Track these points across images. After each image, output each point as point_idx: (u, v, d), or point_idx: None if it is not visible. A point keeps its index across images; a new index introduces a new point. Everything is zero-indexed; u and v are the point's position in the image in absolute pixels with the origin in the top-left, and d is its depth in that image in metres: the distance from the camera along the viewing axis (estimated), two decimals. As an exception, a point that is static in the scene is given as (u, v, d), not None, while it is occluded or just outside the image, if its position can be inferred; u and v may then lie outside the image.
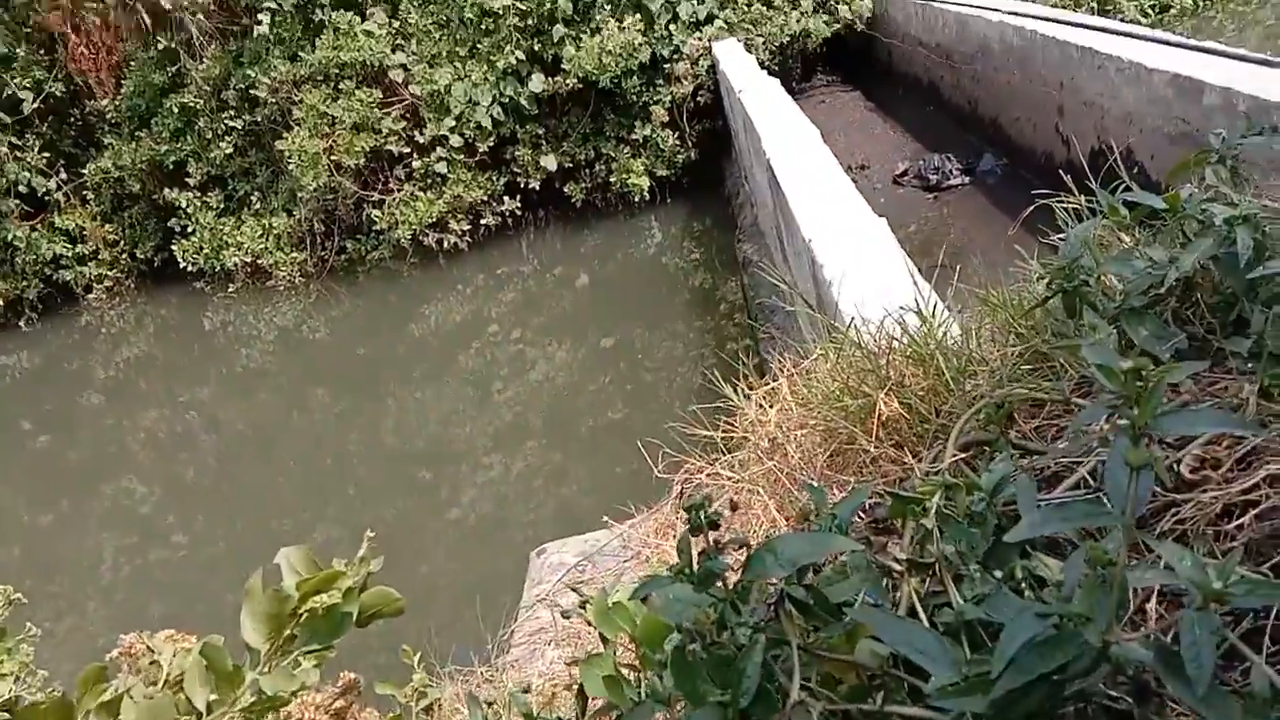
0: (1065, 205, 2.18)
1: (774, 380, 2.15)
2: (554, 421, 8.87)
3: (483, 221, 11.22)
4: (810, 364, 1.98)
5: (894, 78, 10.91)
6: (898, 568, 1.36)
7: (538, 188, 11.31)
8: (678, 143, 10.93)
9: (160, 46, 11.93)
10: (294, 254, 11.57)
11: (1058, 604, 1.02)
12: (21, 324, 12.75)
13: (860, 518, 1.56)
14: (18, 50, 12.28)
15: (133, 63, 12.15)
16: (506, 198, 11.23)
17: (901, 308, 1.97)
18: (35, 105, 12.26)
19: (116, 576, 7.92)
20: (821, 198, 3.61)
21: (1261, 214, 1.58)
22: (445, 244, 11.07)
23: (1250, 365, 1.50)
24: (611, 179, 11.10)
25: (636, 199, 11.14)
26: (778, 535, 1.23)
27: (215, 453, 9.94)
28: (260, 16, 11.00)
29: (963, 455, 1.56)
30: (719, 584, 1.19)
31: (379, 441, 8.90)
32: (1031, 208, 2.32)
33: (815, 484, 1.27)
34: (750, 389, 2.21)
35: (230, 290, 12.04)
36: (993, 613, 1.14)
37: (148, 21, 11.78)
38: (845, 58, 11.79)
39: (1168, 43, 4.93)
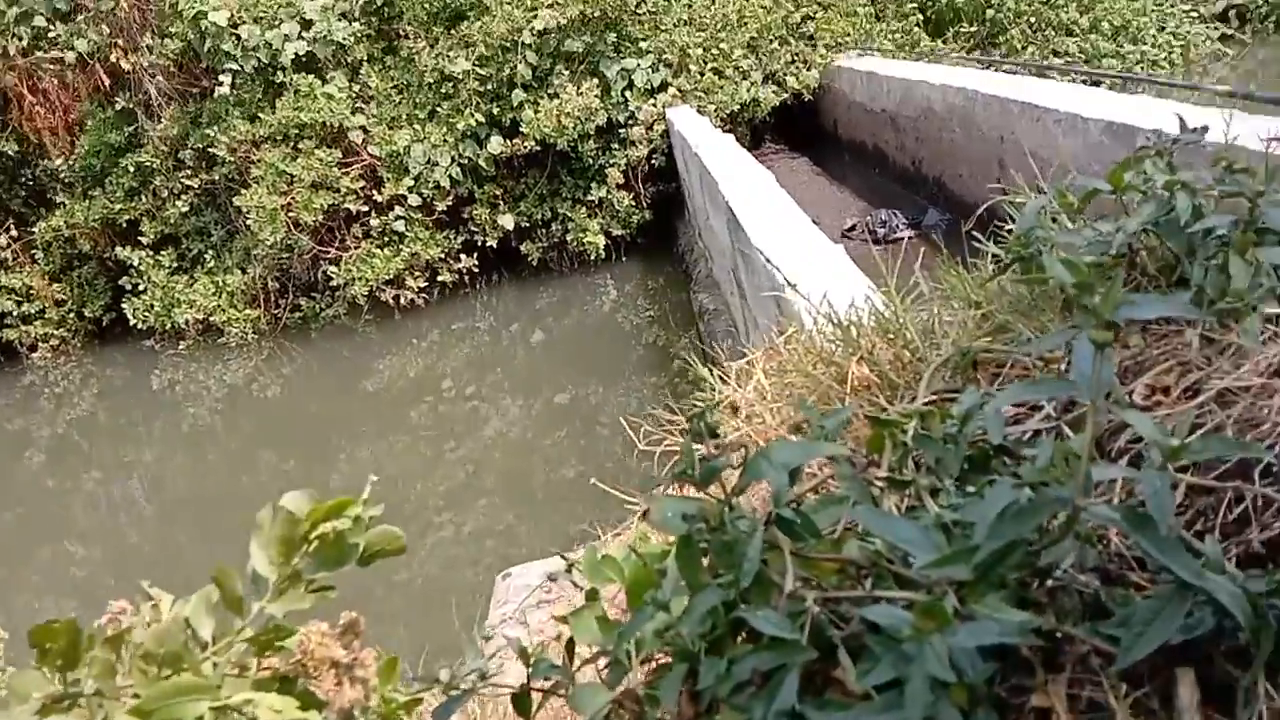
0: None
1: (747, 362, 2.25)
2: (507, 479, 8.86)
3: (439, 278, 11.32)
4: (781, 342, 2.09)
5: (841, 145, 11.31)
6: (879, 484, 1.46)
7: (495, 246, 11.47)
8: (633, 204, 11.18)
9: (118, 107, 11.98)
10: (247, 311, 11.53)
11: (1031, 470, 1.12)
12: (-39, 383, 12.49)
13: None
14: (-31, 110, 12.26)
15: (89, 122, 12.16)
16: (464, 255, 11.35)
17: (869, 288, 2.09)
18: (-14, 163, 12.21)
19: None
20: (780, 229, 3.78)
21: (1197, 183, 1.74)
22: (402, 300, 11.13)
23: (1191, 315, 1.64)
24: (568, 238, 11.30)
25: (592, 257, 11.33)
26: (772, 442, 1.32)
27: (158, 516, 9.76)
28: (221, 78, 11.12)
29: (933, 399, 1.67)
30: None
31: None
32: (976, 219, 2.46)
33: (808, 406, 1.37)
34: (724, 374, 2.31)
35: (180, 348, 11.93)
36: (966, 516, 1.24)
37: (106, 82, 11.85)
38: (793, 127, 12.19)
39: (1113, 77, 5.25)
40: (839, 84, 11.05)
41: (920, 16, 12.72)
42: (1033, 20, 13.01)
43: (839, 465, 1.38)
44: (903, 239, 7.32)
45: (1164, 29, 13.92)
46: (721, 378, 2.34)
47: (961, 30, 12.86)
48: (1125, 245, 1.81)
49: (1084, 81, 9.85)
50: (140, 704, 1.28)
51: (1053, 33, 13.07)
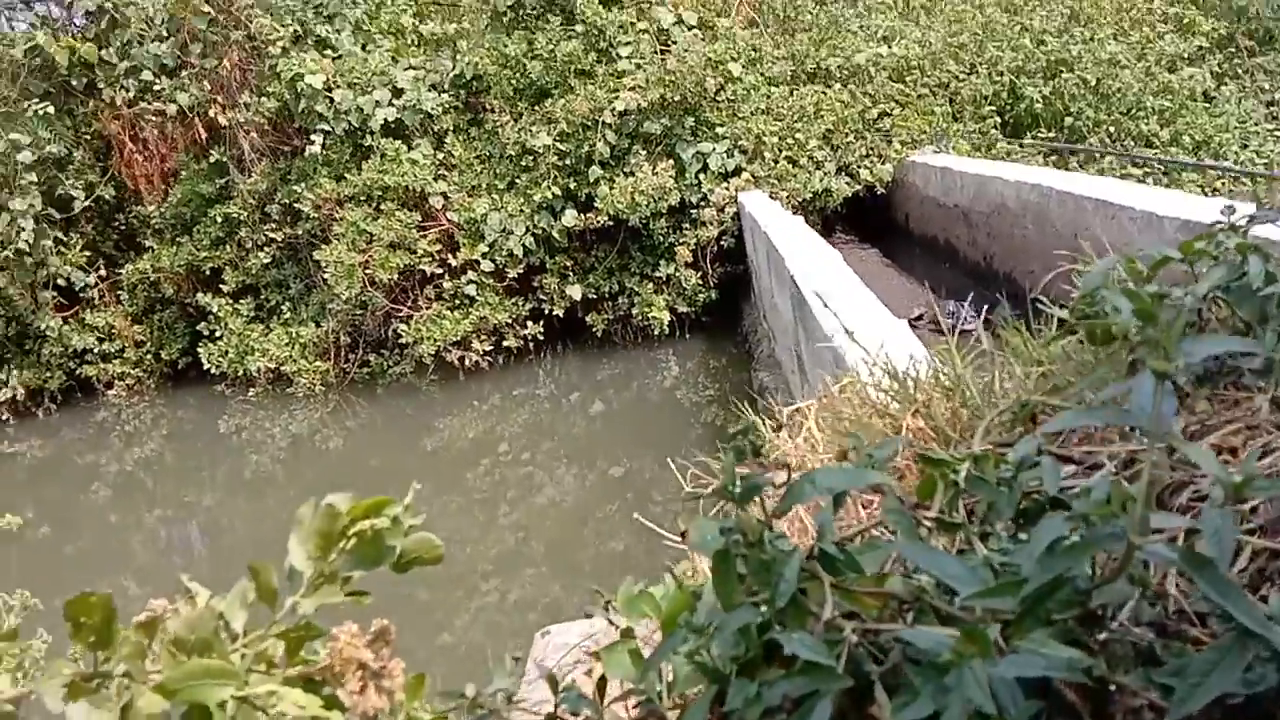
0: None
1: (797, 410, 2.23)
2: (556, 549, 8.80)
3: (505, 343, 11.48)
4: (836, 391, 2.06)
5: (911, 238, 11.30)
6: (927, 524, 1.42)
7: (561, 315, 11.63)
8: (699, 282, 11.28)
9: (212, 160, 12.51)
10: (317, 363, 11.79)
11: (1086, 504, 1.08)
12: (39, 413, 12.89)
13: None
14: (75, 153, 12.90)
15: (184, 173, 12.72)
16: (530, 322, 11.53)
17: (928, 351, 2.06)
18: (85, 205, 12.77)
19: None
20: (843, 297, 3.77)
21: (1270, 249, 1.70)
22: (467, 362, 11.29)
23: (1261, 382, 1.59)
24: (633, 312, 11.41)
25: (656, 333, 11.41)
26: (819, 468, 1.30)
27: (213, 558, 9.87)
28: (313, 138, 11.57)
29: (989, 450, 1.63)
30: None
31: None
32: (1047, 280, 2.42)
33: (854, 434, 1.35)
34: (776, 423, 2.28)
35: (250, 394, 12.19)
36: (1015, 559, 1.20)
37: (203, 136, 12.41)
38: (864, 218, 12.23)
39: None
40: (912, 178, 11.09)
41: (998, 120, 12.77)
42: (1112, 130, 12.98)
43: (886, 498, 1.34)
44: (971, 330, 7.22)
45: (1246, 146, 13.78)
46: (773, 428, 2.31)
47: (1039, 135, 12.87)
48: (1195, 311, 1.77)
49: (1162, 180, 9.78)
50: (165, 681, 1.27)
51: (1132, 143, 13.01)
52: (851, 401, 1.98)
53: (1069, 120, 12.93)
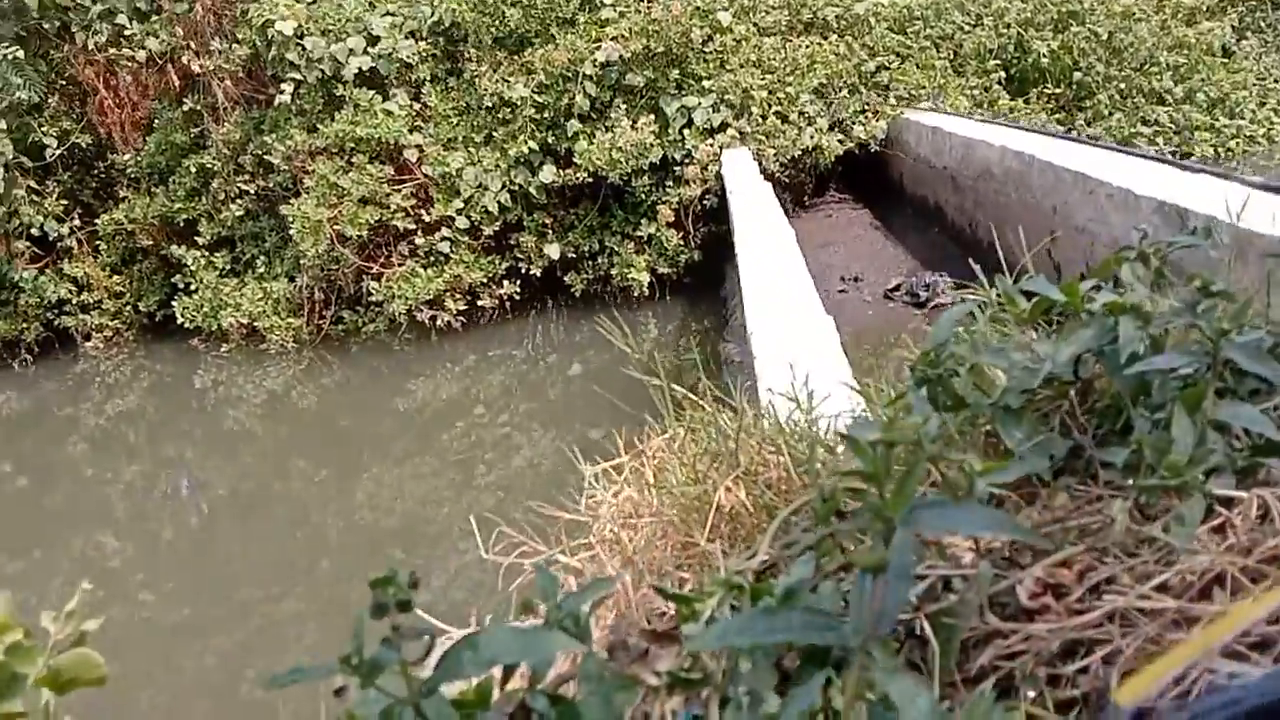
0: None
1: (613, 466, 1.94)
2: (534, 512, 8.58)
3: (479, 303, 11.15)
4: (661, 442, 1.76)
5: (904, 199, 10.88)
6: (654, 683, 1.11)
7: (539, 275, 11.28)
8: (681, 243, 10.87)
9: (186, 108, 12.13)
10: (290, 320, 11.51)
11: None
12: (15, 365, 12.69)
13: (649, 623, 1.31)
14: (49, 100, 12.53)
15: (157, 121, 12.35)
16: (506, 282, 11.18)
17: (774, 391, 1.75)
18: (58, 153, 12.43)
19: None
20: (775, 292, 3.46)
21: (1157, 308, 1.36)
22: (439, 321, 10.98)
23: (1129, 479, 1.26)
24: (613, 272, 11.04)
25: (636, 294, 11.05)
26: (484, 628, 1.00)
27: (192, 513, 9.74)
28: (283, 87, 11.16)
29: (784, 556, 1.32)
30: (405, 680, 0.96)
31: (354, 515, 8.64)
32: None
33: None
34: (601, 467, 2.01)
35: (224, 350, 11.96)
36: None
37: (177, 83, 12.02)
38: (859, 177, 11.78)
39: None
40: (906, 136, 10.64)
41: (1003, 74, 12.23)
42: (1123, 86, 12.41)
43: (584, 661, 1.03)
44: (946, 304, 6.88)
45: (1264, 104, 13.20)
46: (606, 473, 2.02)
47: (1046, 91, 12.32)
48: (1068, 373, 1.44)
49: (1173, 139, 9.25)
50: None
51: (1143, 100, 12.45)
52: (672, 461, 1.67)
53: (1077, 75, 12.36)
